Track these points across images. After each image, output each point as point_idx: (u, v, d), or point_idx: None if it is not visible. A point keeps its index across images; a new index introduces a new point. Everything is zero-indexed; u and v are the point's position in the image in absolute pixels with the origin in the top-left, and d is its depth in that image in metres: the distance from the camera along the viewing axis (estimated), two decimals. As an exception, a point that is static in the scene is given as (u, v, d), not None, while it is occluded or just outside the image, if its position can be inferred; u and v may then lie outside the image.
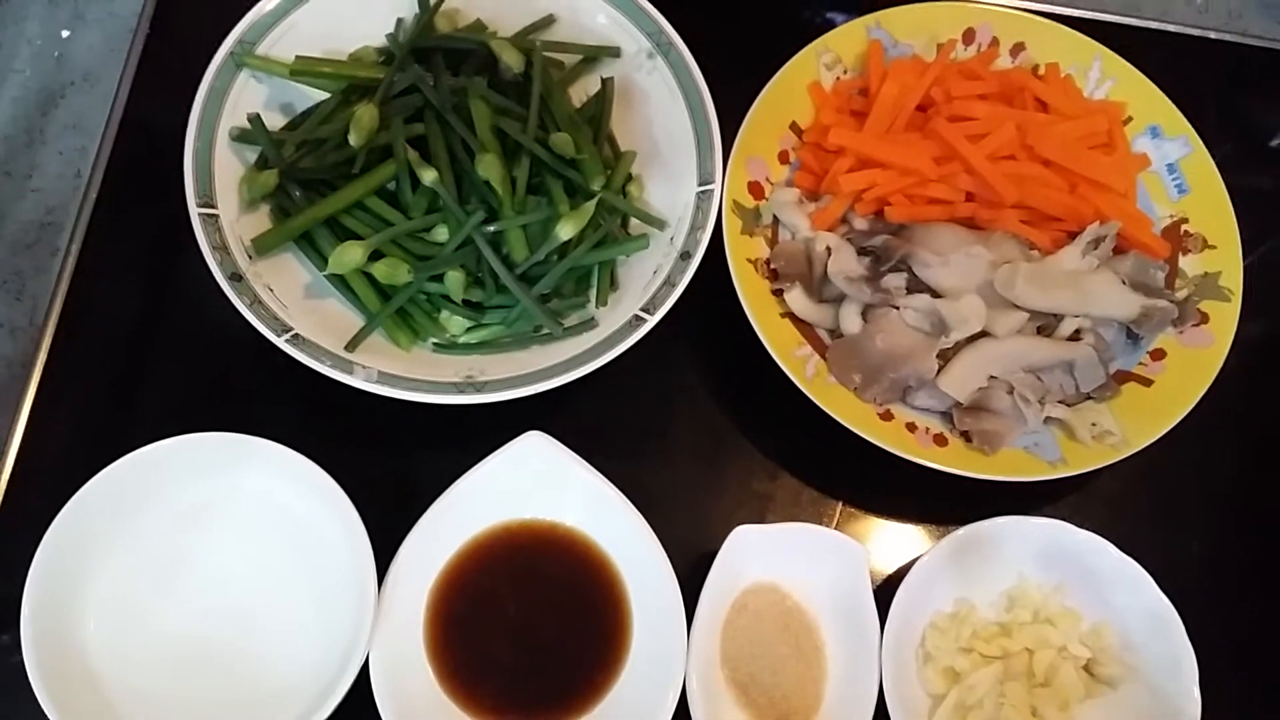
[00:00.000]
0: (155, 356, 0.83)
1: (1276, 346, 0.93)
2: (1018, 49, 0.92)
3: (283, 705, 0.69)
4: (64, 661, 0.68)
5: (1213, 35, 1.04)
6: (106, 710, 0.69)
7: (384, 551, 0.72)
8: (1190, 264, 0.86)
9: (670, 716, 0.69)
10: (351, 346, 0.76)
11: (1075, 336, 0.82)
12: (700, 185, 0.81)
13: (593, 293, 0.81)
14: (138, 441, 0.72)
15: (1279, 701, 0.81)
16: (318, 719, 0.66)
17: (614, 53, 0.86)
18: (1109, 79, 0.91)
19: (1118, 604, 0.75)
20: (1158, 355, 0.83)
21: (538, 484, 0.74)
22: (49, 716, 0.66)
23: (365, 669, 0.69)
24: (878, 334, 0.80)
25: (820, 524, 0.79)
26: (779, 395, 0.78)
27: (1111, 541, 0.75)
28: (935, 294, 0.82)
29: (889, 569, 0.81)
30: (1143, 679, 0.74)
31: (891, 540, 0.82)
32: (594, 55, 0.87)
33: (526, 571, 0.75)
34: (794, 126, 0.88)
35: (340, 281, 0.78)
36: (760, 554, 0.75)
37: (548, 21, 0.87)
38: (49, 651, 0.67)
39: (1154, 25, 1.03)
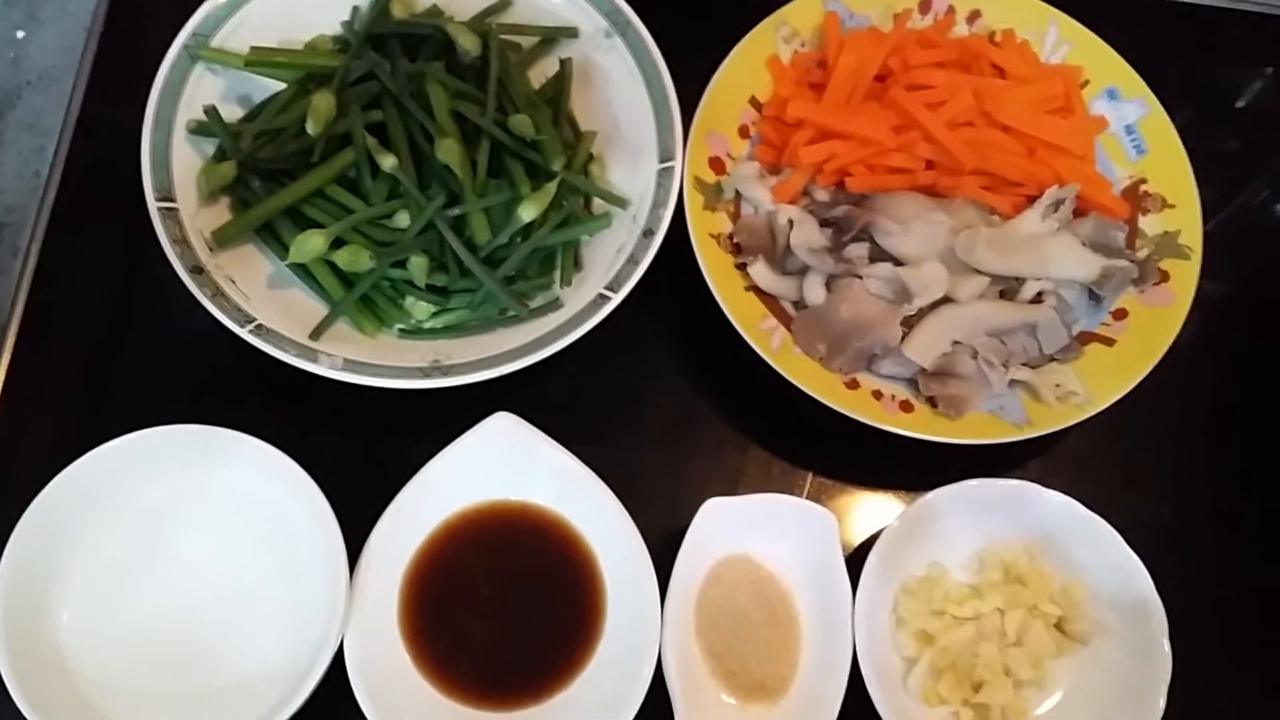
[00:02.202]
0: (120, 352, 0.83)
1: (1242, 306, 0.93)
2: (974, 16, 0.92)
3: (258, 693, 0.69)
4: (37, 656, 0.69)
5: (1170, -3, 1.05)
6: (80, 703, 0.69)
7: (356, 537, 0.72)
8: (1150, 224, 0.87)
9: (646, 689, 0.69)
10: (316, 335, 0.76)
11: (1038, 299, 0.82)
12: (661, 162, 0.81)
13: (557, 273, 0.81)
14: (105, 437, 0.72)
15: (1248, 652, 0.82)
16: (292, 705, 0.67)
17: (571, 33, 0.86)
18: (1065, 43, 0.91)
19: (1087, 562, 0.76)
20: (1120, 315, 0.84)
21: (507, 464, 0.75)
22: (22, 711, 0.66)
23: (341, 654, 0.69)
24: (842, 304, 0.81)
25: (791, 495, 0.80)
26: (746, 369, 0.79)
27: (1079, 501, 0.76)
28: (898, 262, 0.82)
29: (860, 536, 0.81)
30: (1114, 634, 0.75)
31: (862, 507, 0.83)
32: (551, 36, 0.87)
33: (499, 552, 0.75)
34: (753, 101, 0.88)
35: (303, 270, 0.78)
36: (732, 526, 0.75)
37: (504, 4, 0.87)
38: (21, 647, 0.67)
39: (1108, -11, 1.03)
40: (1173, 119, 0.89)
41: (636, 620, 0.72)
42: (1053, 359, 0.82)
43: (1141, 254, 0.85)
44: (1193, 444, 0.87)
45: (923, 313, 0.81)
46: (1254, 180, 0.99)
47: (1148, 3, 1.04)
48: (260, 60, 0.81)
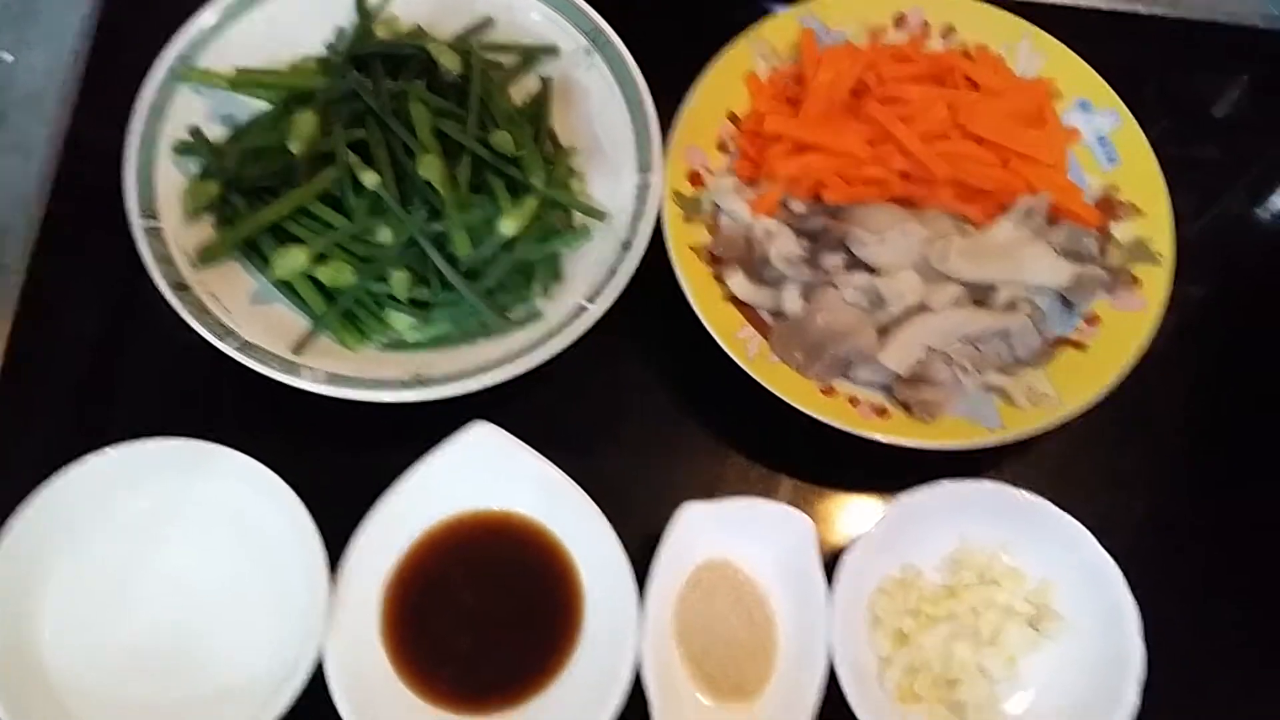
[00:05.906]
0: (105, 368, 0.84)
1: (1219, 311, 0.95)
2: (948, 31, 0.94)
3: (240, 702, 0.70)
4: (20, 669, 0.69)
5: (1142, 10, 1.06)
6: (63, 715, 0.69)
7: (340, 547, 0.73)
8: (1122, 230, 0.88)
9: (625, 692, 0.70)
10: (299, 350, 0.77)
11: (1011, 306, 0.83)
12: (640, 176, 0.82)
13: (537, 286, 0.82)
14: (90, 451, 0.73)
15: (1221, 649, 0.82)
16: (272, 713, 0.67)
17: (552, 52, 0.88)
18: (1038, 56, 0.92)
19: (1060, 561, 0.77)
20: (1092, 320, 0.84)
21: (487, 474, 0.76)
22: (6, 720, 0.67)
23: (323, 665, 0.70)
24: (818, 313, 0.82)
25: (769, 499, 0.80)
26: (724, 378, 0.80)
27: (1055, 503, 0.77)
28: (874, 271, 0.83)
29: (838, 539, 0.82)
30: (1087, 631, 0.76)
31: (839, 511, 0.83)
32: (532, 55, 0.88)
33: (480, 560, 0.76)
34: (732, 116, 0.89)
35: (286, 286, 0.79)
36: (710, 530, 0.76)
37: (486, 23, 0.88)
38: (4, 660, 0.68)
39: (1085, 4, 1.05)
40: (1150, 129, 0.90)
41: (615, 625, 0.72)
42: (1026, 364, 0.83)
43: (1114, 261, 0.87)
44: (1167, 446, 0.88)
45: (898, 320, 0.82)
46: (1231, 187, 1.01)
47: (1122, 16, 1.05)
48: (245, 81, 0.82)
